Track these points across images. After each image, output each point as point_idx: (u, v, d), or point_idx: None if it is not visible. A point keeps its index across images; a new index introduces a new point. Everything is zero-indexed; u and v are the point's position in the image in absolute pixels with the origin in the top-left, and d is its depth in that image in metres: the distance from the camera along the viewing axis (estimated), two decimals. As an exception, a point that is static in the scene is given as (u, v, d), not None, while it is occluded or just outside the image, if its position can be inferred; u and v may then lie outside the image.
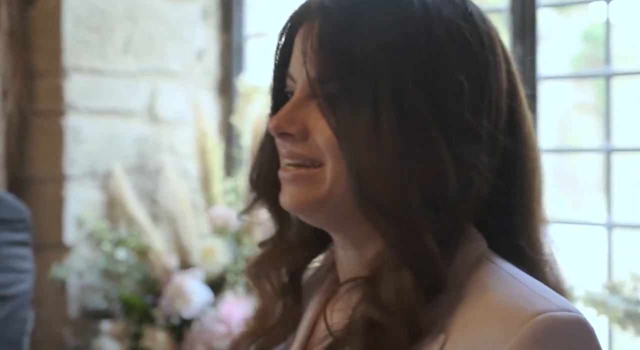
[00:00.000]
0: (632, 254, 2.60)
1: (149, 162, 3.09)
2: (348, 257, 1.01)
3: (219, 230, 2.87)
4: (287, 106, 0.98)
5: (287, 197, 0.99)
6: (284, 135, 0.98)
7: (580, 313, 0.91)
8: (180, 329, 2.75)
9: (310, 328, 1.07)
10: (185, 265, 2.81)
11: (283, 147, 0.99)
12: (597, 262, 2.57)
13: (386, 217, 0.92)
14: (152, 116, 3.14)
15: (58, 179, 2.93)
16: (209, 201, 2.96)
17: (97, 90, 3.01)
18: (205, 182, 3.00)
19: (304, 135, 0.97)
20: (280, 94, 1.03)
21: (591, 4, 3.02)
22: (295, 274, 1.10)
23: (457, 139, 0.94)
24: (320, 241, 1.08)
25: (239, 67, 3.32)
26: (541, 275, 1.00)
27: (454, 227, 0.94)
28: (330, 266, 1.09)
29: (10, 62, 3.01)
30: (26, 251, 1.95)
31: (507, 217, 1.00)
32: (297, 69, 0.98)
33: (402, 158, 0.92)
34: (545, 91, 2.76)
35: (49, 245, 2.90)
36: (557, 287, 1.00)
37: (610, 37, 2.67)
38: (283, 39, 1.02)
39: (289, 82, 1.01)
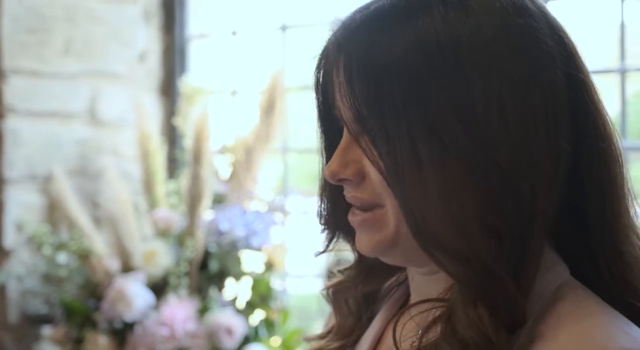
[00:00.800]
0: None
1: (90, 164, 3.06)
2: (423, 278, 0.98)
3: (162, 233, 2.86)
4: (337, 151, 0.94)
5: (360, 243, 0.96)
6: (341, 180, 0.94)
7: None
8: (122, 332, 2.73)
9: (374, 342, 1.04)
10: (127, 268, 2.79)
11: (346, 191, 0.96)
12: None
13: (448, 255, 0.87)
14: (94, 118, 3.11)
15: (-4, 183, 2.90)
16: (152, 203, 2.94)
17: (36, 93, 2.98)
18: (147, 184, 2.98)
19: (361, 177, 0.93)
20: (326, 131, 1.00)
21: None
22: (371, 295, 1.08)
23: (506, 160, 0.86)
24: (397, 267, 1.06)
25: (182, 68, 3.31)
26: (628, 299, 0.92)
27: (524, 253, 0.87)
28: (400, 281, 1.08)
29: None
30: None
31: (586, 233, 0.92)
32: (340, 106, 0.94)
33: (450, 191, 0.86)
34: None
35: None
36: None
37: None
38: (317, 75, 0.97)
39: (340, 123, 0.96)
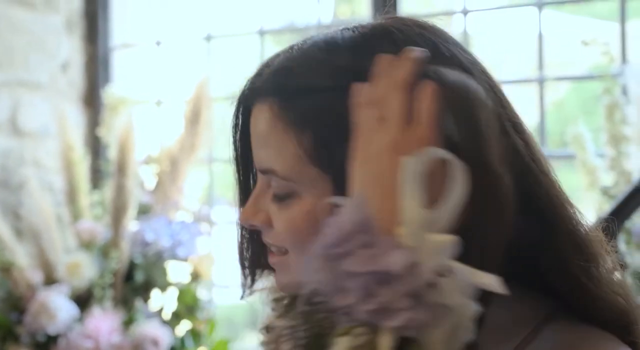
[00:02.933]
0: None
1: (12, 175, 3.02)
2: None
3: (86, 244, 2.83)
4: (251, 198, 0.96)
5: (277, 283, 0.99)
6: (252, 226, 0.97)
7: None
8: (45, 345, 2.69)
9: None
10: (50, 280, 2.76)
11: (262, 236, 0.98)
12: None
13: None
14: (15, 128, 3.07)
15: None
16: (75, 215, 2.91)
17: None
18: (71, 195, 2.95)
19: (269, 225, 0.95)
20: (243, 176, 1.01)
21: (453, 16, 3.10)
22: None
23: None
24: None
25: (105, 79, 3.29)
26: (608, 304, 0.90)
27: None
28: None
29: None
30: None
31: (551, 255, 0.89)
32: (254, 153, 0.96)
33: None
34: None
35: None
36: (630, 311, 0.91)
37: (469, 48, 2.75)
38: (235, 120, 0.98)
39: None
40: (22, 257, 2.78)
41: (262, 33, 3.12)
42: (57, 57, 3.21)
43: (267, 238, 0.96)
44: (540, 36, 2.59)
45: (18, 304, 2.76)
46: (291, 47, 0.93)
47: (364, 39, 0.90)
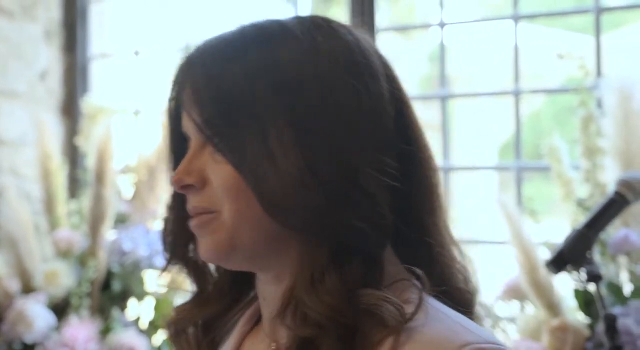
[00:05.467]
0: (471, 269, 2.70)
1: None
2: (270, 292, 1.04)
3: (64, 253, 2.83)
4: (184, 160, 1.03)
5: (201, 249, 1.03)
6: (186, 187, 1.02)
7: (505, 346, 0.96)
8: (22, 354, 2.69)
9: None
10: (28, 289, 2.75)
11: (189, 202, 1.04)
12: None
13: (301, 218, 0.97)
14: (-7, 137, 3.07)
15: None
16: (53, 224, 2.91)
17: None
18: (48, 204, 2.95)
19: (203, 184, 1.02)
20: (177, 157, 1.08)
21: (431, 28, 3.13)
22: (210, 326, 1.14)
23: (348, 150, 0.99)
24: (237, 291, 1.13)
25: (84, 88, 3.29)
26: (451, 272, 1.05)
27: (370, 229, 0.97)
28: (251, 300, 1.14)
29: None
30: None
31: (416, 218, 1.04)
32: (188, 126, 1.04)
33: (300, 170, 0.97)
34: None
35: None
36: (467, 285, 1.05)
37: (445, 61, 2.78)
38: (171, 102, 1.07)
39: (188, 144, 1.06)
40: (-1, 265, 2.78)
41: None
42: (36, 66, 3.21)
43: (198, 201, 1.02)
44: (516, 49, 2.62)
45: (-6, 313, 2.75)
46: (224, 35, 1.05)
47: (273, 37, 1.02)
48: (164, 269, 1.11)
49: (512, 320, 2.24)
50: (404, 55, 5.54)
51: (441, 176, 2.74)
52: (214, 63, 1.02)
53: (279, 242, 1.00)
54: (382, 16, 2.91)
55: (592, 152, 2.17)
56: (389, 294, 0.96)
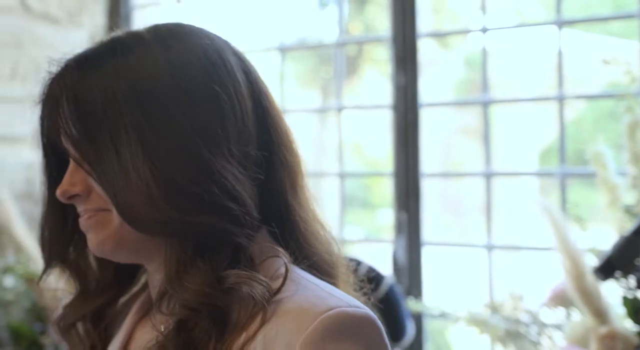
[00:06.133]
0: (511, 275, 2.71)
1: (37, 188, 3.06)
2: (157, 280, 1.10)
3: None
4: (67, 174, 1.09)
5: (90, 243, 1.10)
6: (72, 198, 1.09)
7: (368, 310, 1.02)
8: (69, 356, 2.73)
9: (123, 346, 1.17)
10: (75, 292, 2.79)
11: (78, 208, 1.10)
12: (479, 283, 2.65)
13: (151, 223, 1.03)
14: (39, 142, 3.11)
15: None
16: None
17: (-17, 116, 2.98)
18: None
19: (88, 191, 1.08)
20: (54, 169, 1.14)
21: (470, 34, 3.14)
22: (98, 318, 1.21)
23: (207, 153, 1.04)
24: (119, 284, 1.21)
25: (128, 93, 3.33)
26: (316, 245, 1.12)
27: (229, 218, 1.03)
28: (141, 289, 1.21)
29: None
30: None
31: (282, 199, 1.11)
32: (64, 140, 1.09)
33: (148, 182, 1.02)
34: (428, 117, 2.86)
35: None
36: (330, 256, 1.13)
37: (487, 66, 2.79)
38: (41, 120, 1.13)
39: (65, 154, 1.11)
40: (47, 268, 2.82)
41: (282, 49, 3.16)
42: (82, 71, 3.25)
43: (88, 205, 1.08)
44: (559, 53, 2.62)
45: (42, 315, 2.80)
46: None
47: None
48: (44, 272, 1.18)
49: (558, 327, 2.24)
50: (440, 61, 5.55)
51: (483, 182, 2.73)
52: (73, 78, 1.07)
53: (154, 238, 1.07)
54: (423, 21, 2.91)
55: (638, 158, 2.17)
56: (258, 272, 1.03)
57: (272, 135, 1.11)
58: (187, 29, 1.10)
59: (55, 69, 1.10)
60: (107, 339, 1.20)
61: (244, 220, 1.03)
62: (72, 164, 1.08)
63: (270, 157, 1.10)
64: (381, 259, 2.62)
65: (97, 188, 1.07)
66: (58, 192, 1.08)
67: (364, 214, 6.02)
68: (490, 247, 2.65)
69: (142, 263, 1.13)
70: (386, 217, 5.89)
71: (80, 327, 1.20)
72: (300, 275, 1.06)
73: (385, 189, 5.81)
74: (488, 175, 2.73)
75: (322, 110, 5.43)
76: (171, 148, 1.03)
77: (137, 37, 1.07)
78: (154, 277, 1.11)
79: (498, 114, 2.70)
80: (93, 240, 1.08)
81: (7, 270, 2.86)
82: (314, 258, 1.11)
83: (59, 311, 1.21)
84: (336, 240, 1.15)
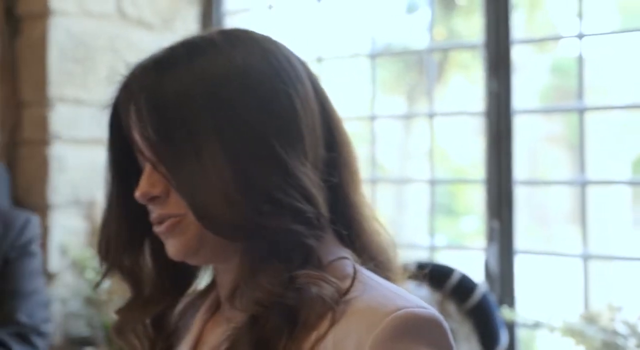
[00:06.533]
0: (607, 285, 2.66)
1: (132, 191, 3.12)
2: (228, 279, 1.11)
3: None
4: (144, 175, 1.09)
5: (171, 249, 1.10)
6: (151, 199, 1.08)
7: (435, 311, 1.02)
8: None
9: (193, 345, 1.18)
10: (168, 293, 2.84)
11: (153, 212, 1.10)
12: (573, 293, 2.62)
13: (226, 227, 1.04)
14: (135, 146, 3.17)
15: (43, 208, 2.96)
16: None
17: (80, 120, 3.05)
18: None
19: (167, 194, 1.08)
20: (120, 169, 1.14)
21: (562, 40, 3.10)
22: (160, 322, 1.21)
23: (283, 155, 1.05)
24: (176, 290, 1.20)
25: (220, 98, 3.37)
26: (377, 244, 1.14)
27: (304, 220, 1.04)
28: (209, 289, 1.21)
29: (2, 92, 3.05)
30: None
31: (347, 198, 1.12)
32: (139, 141, 1.09)
33: (227, 184, 1.03)
34: (516, 124, 2.83)
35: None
36: (389, 255, 1.14)
37: (583, 73, 2.75)
38: (111, 125, 1.13)
39: (138, 155, 1.12)
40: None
41: (372, 56, 3.17)
42: (175, 77, 3.30)
43: (165, 209, 1.08)
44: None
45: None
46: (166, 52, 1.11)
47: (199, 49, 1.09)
48: (103, 277, 1.17)
49: (656, 338, 2.20)
50: (527, 67, 5.49)
51: (577, 190, 2.68)
52: (150, 80, 1.07)
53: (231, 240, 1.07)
54: (516, 26, 2.89)
55: None
56: (327, 273, 1.04)
57: (336, 137, 1.13)
58: (254, 35, 1.12)
59: (129, 71, 1.11)
60: (170, 343, 1.21)
61: (316, 221, 1.05)
62: (148, 167, 1.08)
63: (335, 159, 1.12)
64: (467, 266, 2.61)
65: (175, 191, 1.07)
66: (138, 194, 1.08)
67: (447, 221, 5.99)
68: (586, 257, 2.61)
69: (218, 264, 1.14)
70: (471, 224, 5.84)
71: (141, 333, 1.19)
72: (367, 275, 1.08)
73: (471, 197, 5.76)
74: (583, 184, 2.70)
75: (408, 117, 5.42)
76: (250, 149, 1.04)
77: (209, 41, 1.09)
78: (224, 276, 1.13)
79: (589, 121, 2.67)
80: (174, 246, 1.09)
81: (102, 270, 2.91)
82: (378, 258, 1.13)
83: (116, 317, 1.20)
84: (393, 240, 1.16)
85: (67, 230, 2.98)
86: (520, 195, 2.79)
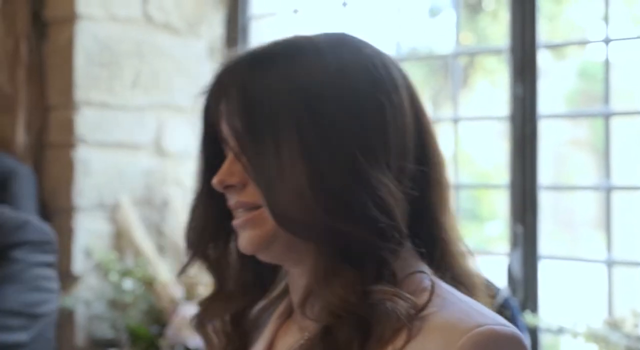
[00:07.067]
0: (632, 291, 2.65)
1: (156, 194, 3.14)
2: (300, 285, 1.10)
3: (224, 263, 2.91)
4: (225, 163, 1.10)
5: (242, 242, 1.10)
6: (227, 187, 1.09)
7: (515, 329, 1.00)
8: (185, 359, 2.78)
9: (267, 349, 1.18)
10: (191, 296, 2.85)
11: (230, 199, 1.10)
12: (597, 298, 2.60)
13: (306, 228, 1.04)
14: (159, 149, 3.19)
15: (68, 210, 2.98)
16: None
17: (106, 124, 3.07)
18: (210, 214, 3.04)
19: (244, 184, 1.08)
20: (210, 159, 1.15)
21: (589, 44, 3.09)
22: (239, 319, 1.21)
23: (365, 162, 1.04)
24: (258, 287, 1.20)
25: (244, 103, 3.38)
26: (463, 264, 1.13)
27: (381, 233, 1.03)
28: (282, 294, 1.20)
29: (29, 95, 3.07)
30: (52, 272, 2.00)
31: (431, 217, 1.11)
32: (225, 132, 1.10)
33: (304, 185, 1.03)
34: (541, 128, 2.82)
35: (59, 275, 2.93)
36: (471, 277, 1.13)
37: (609, 77, 2.74)
38: (205, 112, 1.13)
39: (223, 145, 1.12)
40: (164, 272, 2.89)
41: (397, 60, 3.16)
42: (200, 81, 3.31)
43: (242, 197, 1.08)
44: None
45: (160, 318, 2.86)
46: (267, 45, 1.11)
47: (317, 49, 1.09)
48: (186, 266, 1.18)
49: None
50: (553, 72, 5.47)
51: (601, 196, 2.67)
52: (245, 72, 1.07)
53: (303, 241, 1.06)
54: (542, 30, 2.88)
55: None
56: (402, 287, 1.03)
57: (428, 153, 1.11)
58: (355, 40, 1.12)
59: (226, 62, 1.11)
60: (246, 343, 1.21)
61: (391, 234, 1.03)
62: (230, 156, 1.09)
63: (425, 175, 1.10)
64: (491, 271, 2.60)
65: (251, 182, 1.07)
66: (215, 180, 1.09)
67: (471, 225, 5.97)
68: (610, 263, 2.60)
69: (288, 265, 1.13)
70: (495, 229, 5.82)
71: (218, 327, 1.20)
72: (446, 290, 1.06)
73: (496, 201, 5.74)
74: (608, 189, 2.68)
75: (433, 121, 5.40)
76: (330, 153, 1.04)
77: (310, 42, 1.09)
78: (296, 281, 1.12)
79: (615, 126, 2.65)
80: (245, 238, 1.09)
81: (126, 273, 2.93)
82: (459, 277, 1.11)
83: (198, 308, 1.20)
84: (478, 265, 1.15)
85: (91, 233, 3.00)
86: (545, 200, 2.78)
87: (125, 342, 2.89)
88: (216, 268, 1.17)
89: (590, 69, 5.17)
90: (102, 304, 2.97)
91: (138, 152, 3.15)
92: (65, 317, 2.92)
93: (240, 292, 1.19)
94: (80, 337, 2.95)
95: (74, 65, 3.01)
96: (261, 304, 1.21)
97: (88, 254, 2.98)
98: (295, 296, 1.13)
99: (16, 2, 3.10)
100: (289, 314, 1.18)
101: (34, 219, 2.06)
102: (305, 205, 1.02)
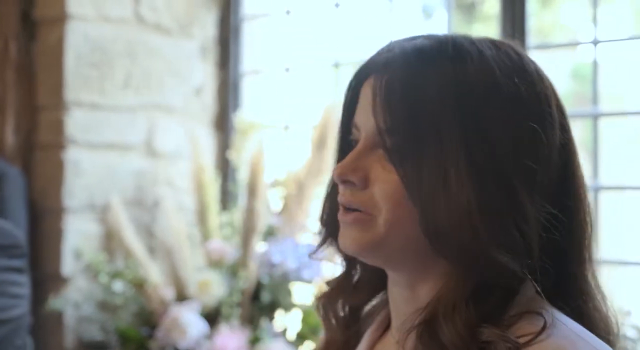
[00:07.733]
0: (619, 290, 2.64)
1: (147, 195, 3.14)
2: (401, 296, 1.07)
3: (215, 264, 2.92)
4: (352, 155, 1.04)
5: (347, 240, 1.05)
6: (346, 182, 1.04)
7: None
8: (175, 360, 2.78)
9: None
10: (181, 297, 2.85)
11: (343, 193, 1.05)
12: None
13: (455, 250, 0.98)
14: (150, 150, 3.19)
15: (58, 211, 2.98)
16: (205, 235, 3.00)
17: (96, 125, 3.06)
18: (201, 215, 3.04)
19: (365, 184, 1.03)
20: (345, 141, 1.10)
21: (580, 46, 3.09)
22: (357, 310, 1.18)
23: (517, 190, 0.98)
24: (382, 282, 1.15)
25: (236, 104, 3.38)
26: (592, 321, 1.06)
27: (520, 268, 0.98)
28: (384, 303, 1.17)
29: (19, 95, 3.07)
30: (21, 278, 1.93)
31: (565, 266, 1.05)
32: (363, 119, 1.04)
33: (470, 204, 0.96)
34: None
35: (47, 276, 2.94)
36: (607, 334, 1.06)
37: (597, 79, 2.74)
38: (350, 91, 1.08)
39: (354, 130, 1.07)
40: (155, 273, 2.88)
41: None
42: (191, 82, 3.32)
43: (355, 197, 1.02)
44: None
45: (150, 319, 2.86)
46: (410, 39, 1.05)
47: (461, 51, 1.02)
48: (319, 246, 1.14)
49: (669, 345, 2.19)
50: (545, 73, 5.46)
51: (590, 196, 2.67)
52: (406, 70, 1.01)
53: (426, 258, 1.01)
54: (531, 34, 2.89)
55: None
56: (512, 328, 0.96)
57: (572, 201, 1.05)
58: (525, 58, 1.05)
59: (383, 50, 1.05)
60: (358, 339, 1.17)
61: (526, 269, 0.98)
62: (361, 148, 1.03)
63: (563, 220, 1.03)
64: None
65: (375, 187, 1.01)
66: (337, 171, 1.03)
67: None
68: (598, 262, 2.60)
69: (390, 271, 1.08)
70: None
71: (338, 312, 1.17)
72: (567, 324, 0.99)
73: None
74: (596, 189, 2.69)
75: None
76: (494, 175, 0.97)
77: (479, 51, 1.02)
78: (398, 290, 1.07)
79: (604, 126, 2.66)
80: (350, 238, 1.04)
81: (116, 275, 2.93)
82: (598, 331, 1.05)
83: (325, 288, 1.18)
84: (617, 318, 1.09)
85: (81, 234, 3.00)
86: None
87: (115, 344, 2.88)
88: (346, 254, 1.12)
89: (581, 71, 5.17)
90: (91, 305, 2.96)
91: (129, 153, 3.14)
92: (55, 319, 2.92)
93: (364, 285, 1.16)
94: (69, 339, 2.94)
95: (64, 65, 3.00)
96: (366, 309, 1.18)
97: (78, 255, 2.97)
98: (395, 306, 1.09)
99: (5, 1, 3.10)
100: (387, 326, 1.14)
101: (2, 223, 1.98)
102: (470, 228, 0.96)
